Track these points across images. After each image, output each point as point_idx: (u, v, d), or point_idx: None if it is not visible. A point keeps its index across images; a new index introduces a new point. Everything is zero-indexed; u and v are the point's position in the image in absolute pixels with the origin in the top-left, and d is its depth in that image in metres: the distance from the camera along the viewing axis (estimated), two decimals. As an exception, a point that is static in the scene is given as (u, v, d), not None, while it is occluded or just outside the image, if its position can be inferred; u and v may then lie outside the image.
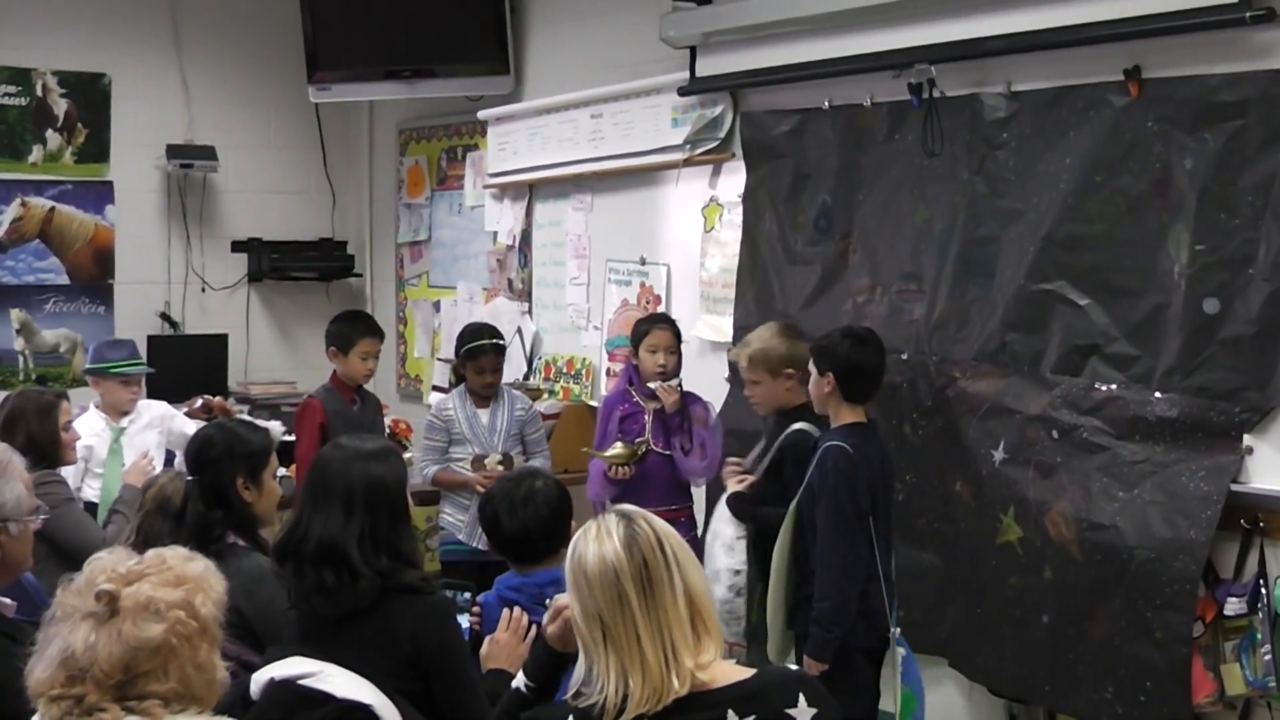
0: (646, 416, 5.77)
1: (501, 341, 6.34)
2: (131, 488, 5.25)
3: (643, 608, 2.49)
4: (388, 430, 7.02)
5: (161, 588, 2.32)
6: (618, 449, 5.72)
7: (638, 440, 5.74)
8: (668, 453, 5.72)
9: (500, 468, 6.04)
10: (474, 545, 6.08)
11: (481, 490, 5.96)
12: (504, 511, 3.89)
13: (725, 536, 5.01)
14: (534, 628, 3.58)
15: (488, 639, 3.64)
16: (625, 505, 2.69)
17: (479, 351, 6.20)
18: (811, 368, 4.83)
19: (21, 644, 2.42)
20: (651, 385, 5.71)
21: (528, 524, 3.85)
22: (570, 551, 2.61)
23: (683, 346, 5.91)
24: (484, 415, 6.20)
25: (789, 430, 4.99)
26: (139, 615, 2.27)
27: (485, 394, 6.23)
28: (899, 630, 4.64)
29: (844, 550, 4.59)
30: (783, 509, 4.78)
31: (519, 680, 3.15)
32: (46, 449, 5.22)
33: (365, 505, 3.32)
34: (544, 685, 3.09)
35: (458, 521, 6.17)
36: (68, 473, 5.85)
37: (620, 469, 5.71)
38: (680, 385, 5.77)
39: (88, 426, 6.15)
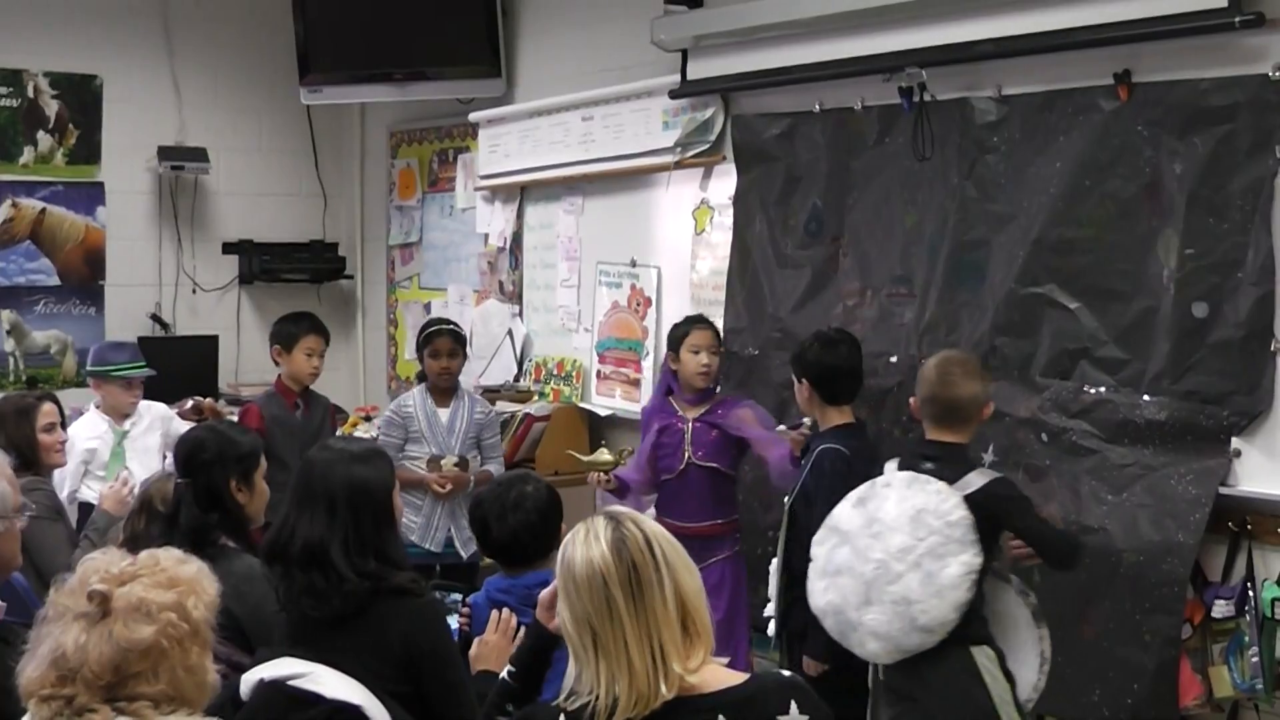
0: (684, 427, 5.49)
1: (459, 329, 6.37)
2: (106, 514, 5.20)
3: (630, 613, 2.47)
4: (377, 432, 7.01)
5: (154, 589, 2.32)
6: (601, 455, 5.57)
7: (622, 449, 5.60)
8: (710, 465, 5.44)
9: (456, 469, 6.05)
10: (427, 547, 6.08)
11: (438, 489, 5.98)
12: (493, 517, 3.90)
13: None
14: (523, 629, 3.59)
15: (477, 640, 3.65)
16: (615, 507, 2.68)
17: (435, 336, 6.24)
18: (793, 376, 4.88)
19: (13, 645, 2.42)
20: (783, 432, 5.26)
21: (517, 530, 3.87)
22: (560, 556, 2.60)
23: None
24: (443, 415, 6.20)
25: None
26: (130, 616, 2.27)
27: (444, 384, 6.22)
28: None
29: None
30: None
31: (505, 670, 3.16)
32: (25, 452, 5.20)
33: (348, 507, 3.32)
34: (528, 673, 3.10)
35: (410, 523, 6.12)
36: (68, 474, 5.84)
37: (601, 476, 5.52)
38: (810, 425, 5.14)
39: (90, 429, 6.15)
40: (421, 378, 6.38)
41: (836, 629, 4.24)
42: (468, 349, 6.52)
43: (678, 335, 5.55)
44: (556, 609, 2.61)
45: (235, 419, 6.48)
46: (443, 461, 6.10)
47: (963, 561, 4.06)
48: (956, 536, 4.08)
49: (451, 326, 6.38)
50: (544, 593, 3.08)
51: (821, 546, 4.32)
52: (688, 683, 2.48)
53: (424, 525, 6.10)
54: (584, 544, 2.54)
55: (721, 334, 5.72)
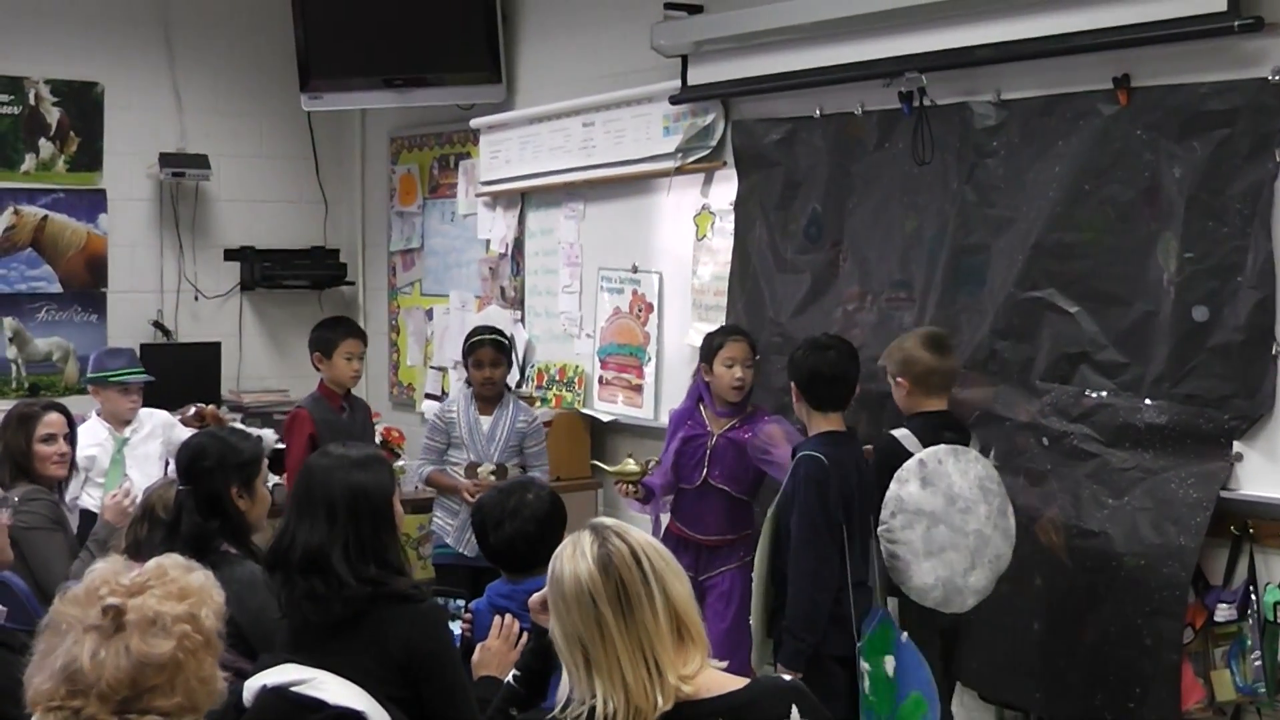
0: (709, 442, 5.47)
1: (501, 338, 6.36)
2: (108, 524, 5.21)
3: (620, 629, 2.46)
4: (380, 438, 7.01)
5: (167, 601, 2.29)
6: (627, 465, 5.56)
7: (647, 460, 5.60)
8: (724, 487, 5.43)
9: (493, 477, 6.04)
10: (461, 551, 6.09)
11: (470, 498, 5.97)
12: (490, 524, 3.90)
13: None
14: (525, 634, 3.60)
15: (479, 646, 3.65)
16: (602, 519, 2.67)
17: (477, 345, 6.23)
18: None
19: (20, 653, 2.41)
20: None
21: (513, 537, 3.87)
22: (550, 572, 2.60)
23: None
24: (485, 422, 6.20)
25: (885, 435, 4.84)
26: (147, 630, 2.25)
27: (487, 393, 6.22)
28: (905, 636, 4.63)
29: (814, 559, 4.58)
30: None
31: (510, 674, 3.17)
32: (20, 461, 5.20)
33: (348, 513, 3.32)
34: (532, 676, 3.10)
35: (447, 526, 6.20)
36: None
37: (627, 486, 5.55)
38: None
39: (90, 436, 6.15)
40: (470, 382, 6.37)
41: (944, 597, 4.50)
42: (511, 357, 6.50)
43: (712, 347, 5.47)
44: (549, 625, 2.61)
45: (285, 424, 6.50)
46: (480, 468, 6.12)
47: (1012, 508, 4.63)
48: (1004, 491, 4.63)
49: (494, 336, 6.34)
50: (534, 596, 3.09)
51: (912, 530, 4.46)
52: (685, 690, 2.48)
53: (460, 529, 6.11)
54: (571, 560, 2.54)
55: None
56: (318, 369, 6.50)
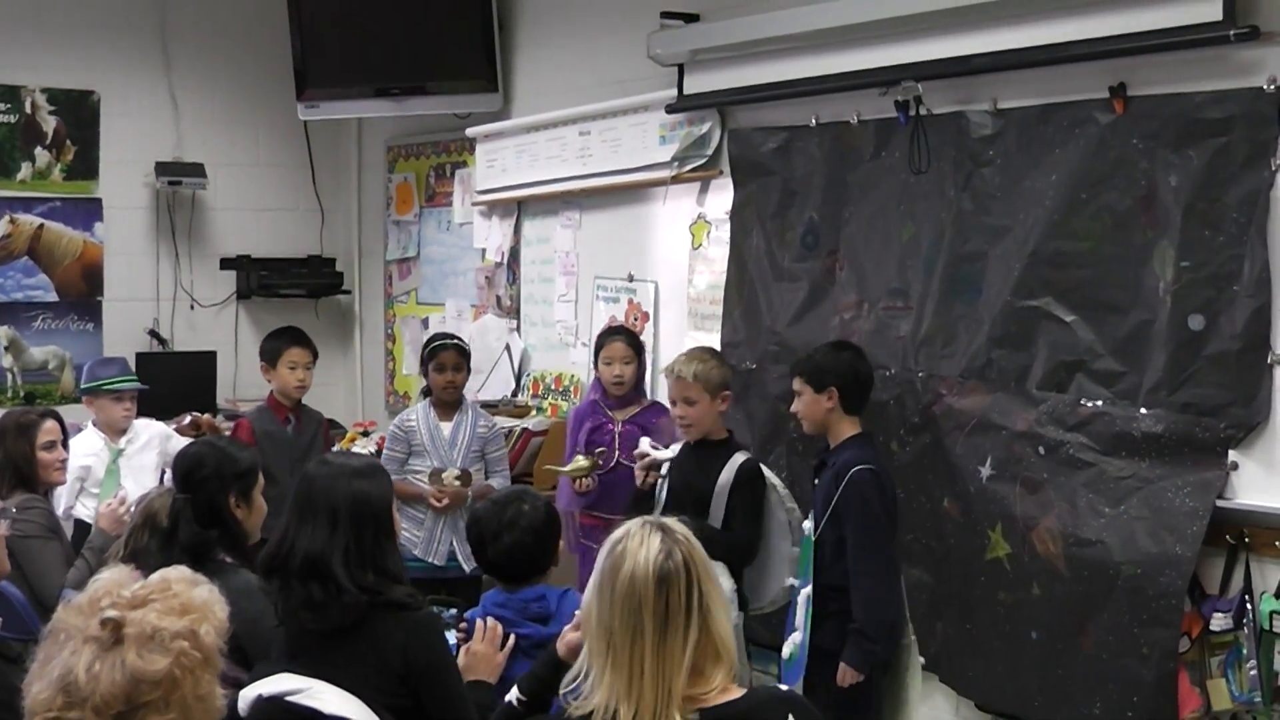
0: (614, 428, 5.89)
1: (463, 344, 6.42)
2: (104, 532, 5.20)
3: (655, 645, 2.47)
4: (375, 447, 7.01)
5: (167, 616, 2.28)
6: (579, 462, 5.79)
7: (597, 451, 5.83)
8: (633, 466, 5.70)
9: (457, 483, 6.06)
10: (430, 560, 6.08)
11: (436, 504, 6.01)
12: (489, 535, 3.90)
13: None
14: (512, 639, 3.61)
15: (464, 649, 3.65)
16: (670, 520, 2.65)
17: (439, 350, 6.27)
18: (802, 386, 4.86)
19: (15, 662, 2.40)
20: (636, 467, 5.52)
21: (511, 548, 3.87)
22: (607, 550, 2.58)
23: (648, 356, 6.09)
24: (446, 428, 6.21)
25: (742, 461, 5.15)
26: (144, 646, 2.23)
27: (448, 398, 6.24)
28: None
29: (882, 563, 4.69)
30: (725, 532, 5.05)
31: (511, 694, 3.16)
32: (23, 469, 5.19)
33: (350, 521, 3.33)
34: (534, 701, 3.10)
35: (413, 537, 6.12)
36: (63, 491, 5.83)
37: (583, 481, 5.78)
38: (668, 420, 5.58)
39: (86, 446, 6.14)
40: (427, 392, 6.39)
41: None
42: (470, 363, 6.53)
43: (597, 346, 6.07)
44: (582, 602, 2.61)
45: (231, 433, 6.50)
46: (444, 474, 6.11)
47: None
48: None
49: (456, 341, 6.42)
50: (568, 638, 3.09)
51: None
52: (688, 713, 2.48)
53: (426, 539, 6.11)
54: (633, 556, 2.53)
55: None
56: (267, 380, 6.54)
